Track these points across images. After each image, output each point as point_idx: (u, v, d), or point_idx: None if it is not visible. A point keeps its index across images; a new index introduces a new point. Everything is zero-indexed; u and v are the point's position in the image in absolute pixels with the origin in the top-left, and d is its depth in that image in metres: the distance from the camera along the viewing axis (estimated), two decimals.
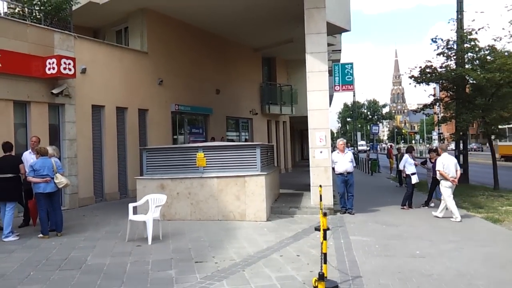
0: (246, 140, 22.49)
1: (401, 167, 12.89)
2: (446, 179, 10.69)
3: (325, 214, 5.67)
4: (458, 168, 10.94)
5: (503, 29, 16.99)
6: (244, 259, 7.07)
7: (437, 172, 10.96)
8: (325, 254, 5.44)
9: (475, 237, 8.68)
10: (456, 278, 5.93)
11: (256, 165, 10.88)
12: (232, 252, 7.52)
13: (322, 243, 5.41)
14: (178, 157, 11.37)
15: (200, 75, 19.15)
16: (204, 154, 11.05)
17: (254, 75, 24.15)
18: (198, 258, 7.15)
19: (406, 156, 12.62)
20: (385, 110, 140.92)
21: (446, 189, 10.73)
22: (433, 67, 18.57)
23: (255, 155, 10.93)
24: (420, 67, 18.79)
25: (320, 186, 10.41)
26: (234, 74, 21.82)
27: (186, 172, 11.12)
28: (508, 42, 16.99)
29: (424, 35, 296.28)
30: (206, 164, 11.02)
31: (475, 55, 17.96)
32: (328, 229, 8.91)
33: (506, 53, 16.64)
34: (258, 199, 10.59)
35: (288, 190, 15.20)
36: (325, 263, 5.42)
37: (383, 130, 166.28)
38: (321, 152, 11.71)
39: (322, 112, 11.91)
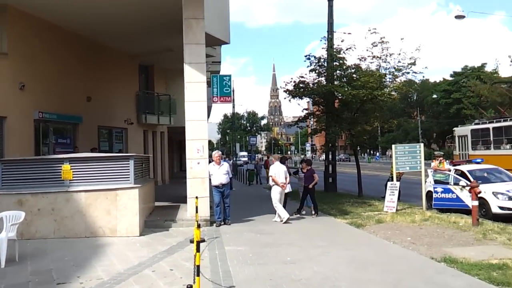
0: (119, 151, 21.57)
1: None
2: (277, 184, 12.16)
3: (199, 226, 5.71)
4: (288, 175, 12.67)
5: (367, 50, 18.82)
6: (112, 277, 6.76)
7: (270, 178, 12.61)
8: (198, 266, 5.45)
9: (340, 242, 9.49)
10: (322, 281, 6.41)
11: (129, 177, 10.52)
12: (100, 271, 7.14)
13: (195, 255, 5.42)
14: (40, 170, 10.48)
15: (68, 81, 17.89)
16: (71, 166, 10.35)
17: (130, 83, 23.34)
18: (61, 279, 6.65)
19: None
20: (264, 122, 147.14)
21: (275, 194, 12.16)
22: (306, 82, 19.94)
23: (128, 167, 10.57)
24: (294, 82, 20.05)
25: (197, 197, 10.55)
26: (107, 81, 20.83)
27: (49, 186, 10.28)
28: (371, 62, 19.01)
29: (302, 51, 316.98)
30: (73, 177, 10.33)
31: (343, 73, 19.72)
32: (203, 240, 8.95)
33: (370, 72, 18.51)
34: (131, 213, 10.23)
35: (164, 202, 14.96)
36: (198, 275, 5.43)
37: (261, 141, 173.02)
38: (198, 163, 11.77)
39: (200, 123, 12.01)
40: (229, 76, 14.51)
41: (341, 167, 34.62)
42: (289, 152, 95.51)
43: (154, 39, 19.58)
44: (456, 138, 26.53)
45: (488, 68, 64.52)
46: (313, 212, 13.08)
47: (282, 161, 14.01)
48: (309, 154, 77.75)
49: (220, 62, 28.91)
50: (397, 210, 13.57)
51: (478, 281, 6.35)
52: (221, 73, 29.33)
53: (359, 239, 9.87)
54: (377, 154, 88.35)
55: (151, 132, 25.84)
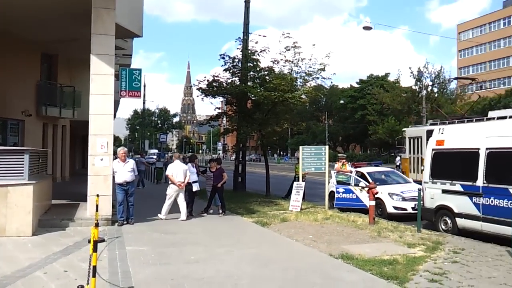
0: (14, 145, 19.93)
1: None
2: (173, 183, 12.16)
3: (96, 225, 5.46)
4: (188, 174, 12.51)
5: (280, 53, 19.32)
6: None
7: (167, 176, 12.63)
8: (94, 267, 5.22)
9: (245, 240, 9.66)
10: (224, 279, 6.47)
11: (23, 173, 9.76)
12: None
13: (91, 255, 5.19)
14: None
15: None
16: None
17: (30, 72, 21.62)
18: None
19: (188, 165, 13.21)
20: (176, 120, 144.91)
21: (170, 192, 12.21)
22: (219, 82, 19.99)
23: (23, 161, 9.81)
24: (208, 80, 20.01)
25: (98, 195, 10.09)
26: (2, 68, 19.15)
27: None
28: (284, 66, 19.55)
29: (218, 51, 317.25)
30: None
31: (256, 74, 20.06)
32: (102, 240, 8.53)
33: (282, 75, 18.99)
34: (23, 212, 9.49)
35: (63, 200, 14.10)
36: (93, 276, 5.20)
37: (173, 139, 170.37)
38: (102, 159, 11.26)
39: (105, 117, 11.50)
40: (139, 70, 14.09)
41: (252, 167, 35.27)
42: (200, 151, 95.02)
43: (60, 27, 18.30)
44: (407, 140, 24.26)
45: (391, 78, 69.66)
46: (221, 211, 13.15)
47: (192, 159, 13.92)
48: (220, 154, 78.17)
49: (131, 55, 27.91)
50: (301, 209, 14.11)
51: (370, 276, 6.82)
52: (132, 67, 28.36)
53: (263, 237, 10.11)
54: (287, 155, 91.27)
55: (52, 125, 24.21)
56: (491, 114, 11.86)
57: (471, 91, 60.54)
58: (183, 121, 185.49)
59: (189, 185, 12.93)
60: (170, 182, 12.39)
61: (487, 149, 9.86)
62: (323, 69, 19.18)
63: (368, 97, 68.09)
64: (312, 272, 7.05)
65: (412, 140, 23.59)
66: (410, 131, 24.54)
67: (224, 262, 7.54)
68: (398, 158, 47.50)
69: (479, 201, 9.86)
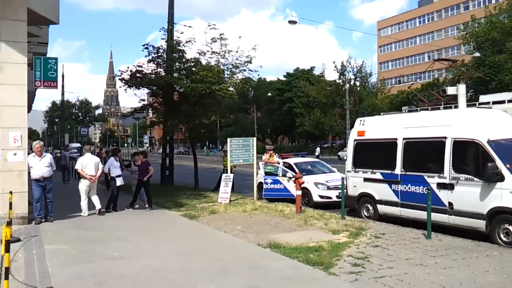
0: None
1: (105, 169, 12.93)
2: (83, 177, 11.78)
3: (9, 223, 5.10)
4: (100, 167, 12.25)
5: (206, 45, 19.12)
6: None
7: (77, 171, 12.22)
8: (7, 269, 4.87)
9: (173, 234, 9.53)
10: (150, 274, 6.34)
11: None
12: None
13: (3, 256, 4.84)
14: None
15: None
16: None
17: None
18: None
19: (111, 158, 12.75)
20: (98, 112, 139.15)
21: (82, 187, 11.77)
22: (143, 73, 19.40)
23: None
24: (131, 71, 19.35)
25: (11, 192, 9.44)
26: None
27: None
28: (211, 57, 19.37)
29: (143, 41, 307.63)
30: None
31: (182, 65, 19.70)
32: (17, 240, 8.06)
33: (209, 67, 18.80)
34: None
35: None
36: (6, 278, 4.86)
37: (95, 133, 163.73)
38: (15, 154, 10.51)
39: (18, 109, 10.72)
40: (55, 59, 13.37)
41: (180, 160, 34.78)
42: (126, 145, 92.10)
43: None
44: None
45: (317, 72, 71.91)
46: (147, 206, 12.84)
47: (114, 153, 13.43)
48: (147, 147, 76.35)
49: (47, 43, 26.20)
50: (230, 201, 14.17)
51: (297, 263, 7.01)
52: (49, 55, 26.72)
53: (192, 230, 10.04)
54: (216, 147, 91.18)
55: None
56: (482, 98, 12.93)
57: (390, 85, 64.18)
58: (107, 113, 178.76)
59: (112, 180, 12.47)
60: (81, 176, 11.94)
61: (404, 139, 10.49)
62: (250, 62, 19.28)
63: (295, 90, 69.71)
64: (240, 262, 7.11)
65: None
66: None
67: (150, 256, 7.38)
68: (318, 149, 49.53)
69: (397, 188, 10.49)
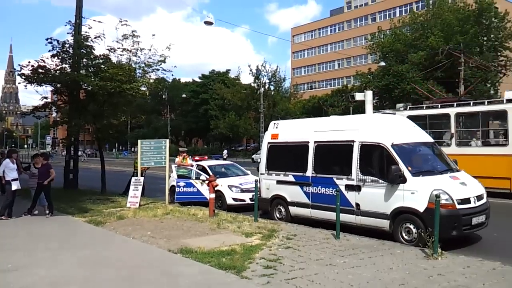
0: None
1: (0, 172, 11.83)
2: None
3: None
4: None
5: (117, 41, 18.33)
6: None
7: None
8: None
9: (76, 242, 8.93)
10: (49, 287, 5.85)
11: None
12: None
13: None
14: None
15: None
16: None
17: None
18: None
19: (6, 160, 11.69)
20: None
21: None
22: (46, 68, 18.10)
23: None
24: (33, 66, 17.96)
25: None
26: None
27: None
28: (122, 55, 18.57)
29: (48, 35, 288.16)
30: None
31: (90, 62, 18.68)
32: None
33: (120, 64, 18.00)
34: None
35: None
36: None
37: None
38: None
39: None
40: None
41: (88, 163, 33.08)
42: (26, 146, 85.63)
43: None
44: None
45: (232, 74, 72.41)
46: (48, 212, 11.95)
47: (9, 154, 12.34)
48: (49, 149, 71.56)
49: None
50: (140, 205, 13.68)
51: (209, 268, 6.89)
52: None
53: (97, 237, 9.49)
54: (126, 149, 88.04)
55: None
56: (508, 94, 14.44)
57: (302, 90, 66.55)
58: (4, 111, 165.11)
59: (7, 184, 11.45)
60: None
61: (315, 142, 10.83)
62: (164, 61, 18.81)
63: (210, 92, 69.60)
64: (149, 269, 6.84)
65: None
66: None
67: (51, 267, 6.84)
68: (225, 151, 49.93)
69: (308, 190, 10.79)
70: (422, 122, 16.44)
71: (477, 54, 38.58)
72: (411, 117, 16.08)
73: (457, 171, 9.77)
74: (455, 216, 8.27)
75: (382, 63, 38.47)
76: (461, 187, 8.81)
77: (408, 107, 18.27)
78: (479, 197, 8.88)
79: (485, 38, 40.31)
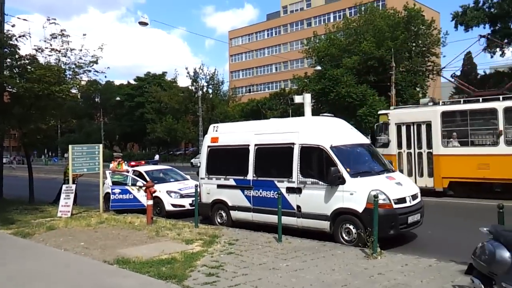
0: None
1: None
2: None
3: None
4: None
5: (45, 41, 17.33)
6: None
7: None
8: None
9: (0, 256, 8.26)
10: None
11: None
12: None
13: None
14: None
15: None
16: None
17: None
18: None
19: None
20: None
21: None
22: None
23: None
24: None
25: None
26: None
27: None
28: (50, 55, 17.59)
29: None
30: None
31: (14, 63, 17.57)
32: None
33: (48, 65, 17.02)
34: None
35: None
36: None
37: None
38: None
39: None
40: None
41: (15, 170, 31.09)
42: None
43: None
44: (393, 128, 17.04)
45: (169, 77, 71.21)
46: None
47: None
48: None
49: None
50: (72, 214, 13.01)
51: (148, 278, 6.62)
52: None
53: (24, 250, 8.85)
54: (56, 156, 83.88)
55: None
56: None
57: (241, 93, 66.83)
58: None
59: None
60: None
61: (255, 145, 10.80)
62: (96, 62, 18.00)
63: (146, 95, 68.01)
64: (83, 283, 6.45)
65: (404, 128, 16.73)
66: (401, 114, 17.20)
67: None
68: (157, 156, 48.99)
69: (250, 193, 10.73)
70: (462, 119, 15.46)
71: (406, 59, 40.61)
72: (447, 113, 15.58)
73: (393, 171, 10.14)
74: (392, 216, 8.54)
75: (318, 67, 39.45)
76: (397, 187, 9.12)
77: (440, 101, 16.52)
78: (414, 196, 9.24)
79: (414, 44, 42.49)
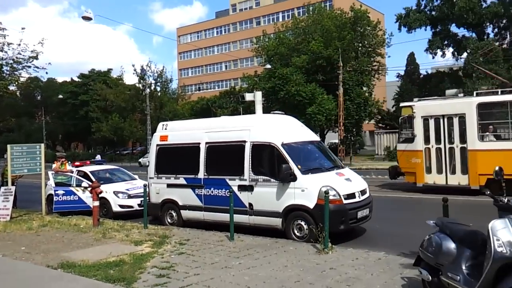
0: None
1: None
2: None
3: None
4: None
5: None
6: None
7: None
8: None
9: None
10: None
11: None
12: None
13: None
14: None
15: None
16: None
17: None
18: None
19: None
20: None
21: None
22: None
23: None
24: None
25: None
26: None
27: None
28: None
29: None
30: None
31: None
32: None
33: None
34: None
35: None
36: None
37: None
38: None
39: None
40: None
41: None
42: None
43: None
44: (418, 121, 15.67)
45: (114, 74, 69.23)
46: None
47: None
48: None
49: None
50: (12, 218, 12.39)
51: (95, 282, 6.37)
52: None
53: None
54: None
55: None
56: None
57: (190, 91, 66.12)
58: None
59: None
60: None
61: (206, 143, 10.68)
62: (36, 57, 17.20)
63: (91, 93, 65.76)
64: None
65: (433, 121, 15.37)
66: (428, 107, 15.81)
67: None
68: (98, 156, 47.40)
69: (201, 192, 10.59)
70: (501, 111, 14.35)
71: (353, 59, 41.69)
72: (484, 105, 14.21)
73: (342, 167, 10.33)
74: (342, 211, 8.70)
75: (268, 66, 39.68)
76: (347, 183, 9.31)
77: (475, 92, 15.19)
78: (363, 192, 9.47)
79: (360, 44, 43.70)
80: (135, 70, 54.07)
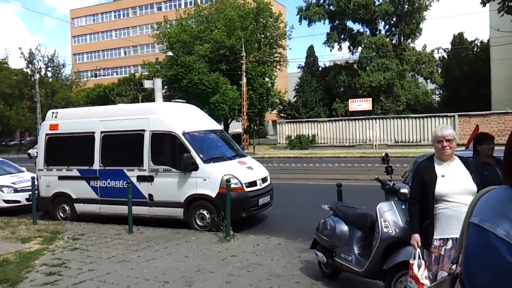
0: None
1: None
2: None
3: None
4: None
5: None
6: None
7: None
8: None
9: None
10: None
11: None
12: None
13: None
14: None
15: None
16: None
17: None
18: None
19: None
20: None
21: None
22: None
23: None
24: None
25: None
26: None
27: None
28: None
29: None
30: None
31: None
32: None
33: None
34: None
35: None
36: None
37: None
38: None
39: None
40: None
41: None
42: None
43: None
44: None
45: None
46: None
47: None
48: None
49: None
50: None
51: None
52: None
53: None
54: None
55: None
56: None
57: (86, 78, 62.64)
58: None
59: None
60: None
61: (102, 132, 10.18)
62: None
63: None
64: None
65: None
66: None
67: None
68: None
69: (96, 184, 10.09)
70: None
71: (256, 50, 42.36)
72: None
73: (244, 156, 10.48)
74: (244, 199, 8.83)
75: (170, 53, 38.85)
76: (248, 171, 9.46)
77: None
78: (264, 179, 9.69)
79: (262, 36, 44.50)
80: (22, 53, 49.89)
